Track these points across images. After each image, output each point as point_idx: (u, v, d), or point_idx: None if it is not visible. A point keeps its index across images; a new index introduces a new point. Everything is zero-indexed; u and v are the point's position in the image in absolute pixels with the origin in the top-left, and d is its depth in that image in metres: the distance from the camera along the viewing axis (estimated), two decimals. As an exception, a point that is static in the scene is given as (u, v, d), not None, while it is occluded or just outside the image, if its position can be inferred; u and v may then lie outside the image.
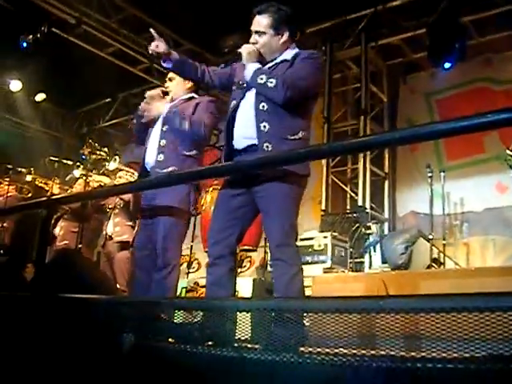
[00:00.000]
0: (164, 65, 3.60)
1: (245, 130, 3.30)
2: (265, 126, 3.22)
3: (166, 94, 4.35)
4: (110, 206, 6.68)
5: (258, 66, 3.28)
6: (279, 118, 3.24)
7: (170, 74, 4.41)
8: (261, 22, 3.38)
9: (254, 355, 2.03)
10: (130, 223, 6.45)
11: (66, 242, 7.44)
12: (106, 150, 7.04)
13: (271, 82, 3.18)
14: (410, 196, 8.73)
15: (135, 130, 4.50)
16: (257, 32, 3.39)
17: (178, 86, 4.39)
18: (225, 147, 3.41)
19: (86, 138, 7.75)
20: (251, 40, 3.40)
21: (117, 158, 6.95)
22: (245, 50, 3.31)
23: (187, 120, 4.00)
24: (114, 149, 7.48)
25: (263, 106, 3.27)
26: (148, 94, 4.31)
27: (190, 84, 4.40)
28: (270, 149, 3.18)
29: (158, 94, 4.30)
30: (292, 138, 3.21)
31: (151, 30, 3.58)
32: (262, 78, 3.21)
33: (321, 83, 3.32)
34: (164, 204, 4.01)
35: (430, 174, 6.83)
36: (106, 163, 6.96)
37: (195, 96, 4.40)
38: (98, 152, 6.99)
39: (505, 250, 7.07)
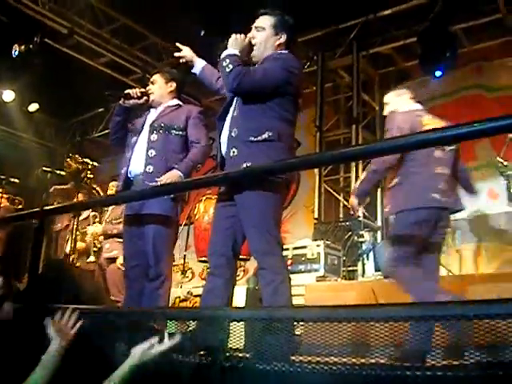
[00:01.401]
0: (192, 71, 3.75)
1: (226, 138, 3.37)
2: (235, 132, 3.27)
3: (143, 95, 4.25)
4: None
5: (234, 52, 3.27)
6: (246, 121, 3.27)
7: (153, 77, 4.40)
8: (263, 20, 3.45)
9: (246, 364, 2.04)
10: (120, 239, 6.47)
11: None
12: (87, 160, 7.03)
13: (228, 67, 3.19)
14: (403, 204, 8.72)
15: (113, 125, 4.36)
16: (257, 27, 3.45)
17: (160, 89, 4.33)
18: (219, 155, 3.44)
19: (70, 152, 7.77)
20: (249, 34, 3.42)
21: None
22: (233, 36, 3.34)
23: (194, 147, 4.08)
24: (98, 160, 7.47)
25: (236, 112, 3.33)
26: (128, 91, 4.24)
27: (172, 87, 4.36)
28: (235, 153, 3.22)
29: (135, 93, 4.22)
30: (255, 139, 3.19)
31: (177, 43, 3.59)
32: (225, 61, 3.22)
33: (284, 82, 3.23)
34: (152, 212, 3.97)
35: (422, 182, 6.83)
36: (87, 174, 6.96)
37: (180, 103, 4.37)
38: (79, 162, 6.99)
39: (497, 256, 7.08)
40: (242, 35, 3.37)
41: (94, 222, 6.99)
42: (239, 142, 3.23)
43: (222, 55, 3.28)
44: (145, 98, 4.25)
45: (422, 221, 3.86)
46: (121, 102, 4.24)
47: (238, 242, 3.31)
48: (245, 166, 3.13)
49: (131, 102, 4.22)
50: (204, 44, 3.49)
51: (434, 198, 3.86)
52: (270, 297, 3.06)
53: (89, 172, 6.94)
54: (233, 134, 3.29)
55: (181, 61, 3.84)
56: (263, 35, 3.41)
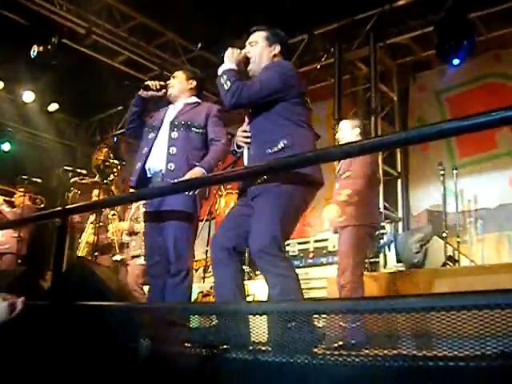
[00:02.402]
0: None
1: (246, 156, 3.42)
2: (253, 149, 3.32)
3: (161, 88, 4.27)
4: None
5: (231, 67, 3.28)
6: (259, 135, 3.28)
7: (175, 73, 4.43)
8: (256, 35, 3.47)
9: (268, 357, 2.06)
10: None
11: (7, 245, 8.06)
12: (116, 162, 7.09)
13: (227, 85, 3.20)
14: (424, 194, 8.69)
15: (129, 115, 4.37)
16: (250, 43, 3.46)
17: (180, 84, 4.35)
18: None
19: (101, 145, 7.81)
20: (244, 50, 3.43)
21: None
22: (229, 50, 3.35)
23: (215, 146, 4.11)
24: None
25: (252, 130, 3.35)
26: (147, 82, 4.28)
27: (192, 85, 4.38)
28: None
29: (155, 85, 4.24)
30: (272, 151, 3.17)
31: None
32: (223, 78, 3.23)
33: (283, 87, 3.21)
34: (173, 208, 3.99)
35: (442, 172, 6.81)
36: (112, 175, 7.03)
37: (199, 101, 4.38)
38: (110, 161, 7.05)
39: (520, 245, 7.04)
40: (238, 49, 3.38)
41: (111, 220, 7.06)
42: (257, 158, 3.22)
43: (220, 71, 3.29)
44: (163, 90, 4.27)
45: None
46: (140, 92, 4.27)
47: (244, 240, 3.24)
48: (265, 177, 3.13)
49: (150, 93, 4.25)
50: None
51: None
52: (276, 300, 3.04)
53: (116, 169, 7.01)
54: (251, 152, 3.32)
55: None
56: (258, 48, 3.43)
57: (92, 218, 7.52)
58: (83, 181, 7.44)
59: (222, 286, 3.26)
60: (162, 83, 4.30)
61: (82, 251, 7.44)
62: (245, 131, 3.41)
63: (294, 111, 3.28)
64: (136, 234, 6.56)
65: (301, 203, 3.25)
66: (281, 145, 3.16)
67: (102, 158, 7.13)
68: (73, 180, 7.35)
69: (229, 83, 3.19)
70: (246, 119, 3.47)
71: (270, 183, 3.12)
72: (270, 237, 3.06)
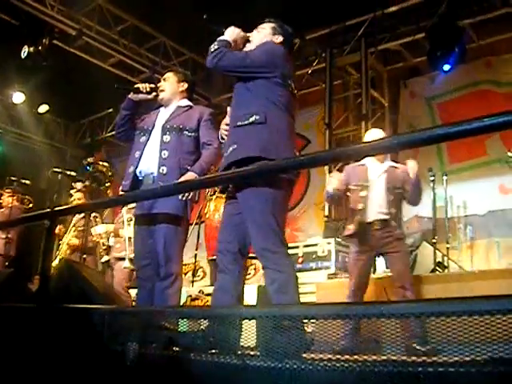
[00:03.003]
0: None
1: None
2: (229, 120, 3.44)
3: (152, 91, 4.26)
4: None
5: (226, 38, 3.40)
6: (235, 109, 3.40)
7: (166, 74, 4.41)
8: (265, 24, 3.57)
9: (257, 362, 2.04)
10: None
11: None
12: (107, 164, 7.08)
13: (213, 47, 3.33)
14: (413, 200, 8.70)
15: (120, 118, 4.34)
16: (257, 29, 3.57)
17: (171, 86, 4.32)
18: None
19: (99, 148, 7.81)
20: (249, 34, 3.53)
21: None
22: (232, 27, 3.46)
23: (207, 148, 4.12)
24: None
25: (233, 98, 3.48)
26: (137, 85, 4.28)
27: (183, 87, 4.36)
28: (225, 140, 3.43)
29: (145, 87, 4.23)
30: (240, 123, 3.26)
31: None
32: (214, 44, 3.35)
33: (267, 64, 3.24)
34: (163, 212, 3.96)
35: (432, 178, 6.82)
36: (104, 179, 7.01)
37: (191, 104, 4.36)
38: (100, 164, 7.03)
39: (509, 252, 7.06)
40: (238, 29, 3.47)
41: (95, 223, 7.02)
42: (230, 129, 3.37)
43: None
44: (154, 93, 4.25)
45: None
46: (130, 95, 4.25)
47: (245, 239, 3.29)
48: (231, 149, 3.22)
49: (140, 96, 4.24)
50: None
51: None
52: (274, 296, 3.06)
53: (108, 177, 7.00)
54: (227, 123, 3.48)
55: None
56: (262, 33, 3.52)
57: (74, 220, 7.48)
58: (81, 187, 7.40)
59: (221, 291, 3.28)
60: (153, 86, 4.27)
61: (63, 253, 7.38)
62: (227, 124, 3.51)
63: (274, 91, 3.31)
64: (120, 236, 6.52)
65: (285, 194, 3.29)
66: (252, 119, 3.23)
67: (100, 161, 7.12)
68: (76, 189, 7.32)
69: (216, 46, 3.32)
70: (229, 111, 3.54)
71: (254, 181, 3.16)
72: (271, 232, 3.11)
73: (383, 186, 5.05)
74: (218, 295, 3.29)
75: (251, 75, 3.31)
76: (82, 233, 7.05)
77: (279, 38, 3.50)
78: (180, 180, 3.87)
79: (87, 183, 7.17)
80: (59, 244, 7.59)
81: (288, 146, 3.26)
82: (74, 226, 7.47)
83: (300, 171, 3.42)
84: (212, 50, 3.31)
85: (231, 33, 3.42)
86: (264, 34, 3.51)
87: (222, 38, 3.38)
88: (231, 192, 3.41)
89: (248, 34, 3.51)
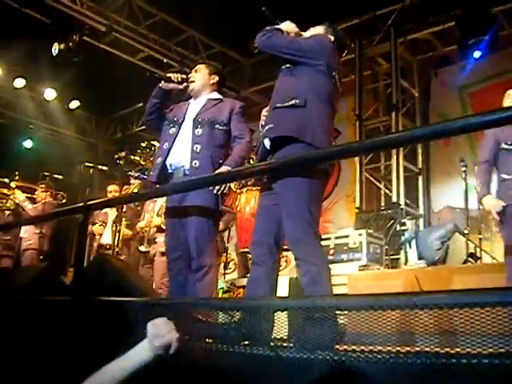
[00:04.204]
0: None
1: None
2: (271, 104, 3.46)
3: (183, 81, 4.25)
4: None
5: (279, 27, 3.45)
6: (277, 92, 3.44)
7: (198, 66, 4.41)
8: (315, 27, 3.66)
9: (290, 354, 2.05)
10: None
11: (30, 241, 8.15)
12: (138, 158, 7.18)
13: (266, 29, 3.41)
14: (445, 191, 8.63)
15: (149, 106, 4.34)
16: (309, 29, 3.66)
17: (202, 78, 4.31)
18: None
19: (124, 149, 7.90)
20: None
21: None
22: (288, 21, 3.51)
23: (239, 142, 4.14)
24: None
25: (278, 81, 3.53)
26: (169, 74, 4.28)
27: (214, 80, 4.35)
28: (264, 120, 3.46)
29: (177, 77, 4.23)
30: (280, 105, 3.31)
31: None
32: (267, 28, 3.43)
33: (314, 52, 3.27)
34: (195, 204, 3.97)
35: (463, 168, 6.74)
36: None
37: (221, 97, 4.35)
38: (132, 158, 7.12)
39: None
40: (295, 26, 3.53)
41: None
42: (269, 112, 3.42)
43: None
44: (185, 84, 4.25)
45: None
46: (161, 84, 4.25)
47: (280, 231, 3.30)
48: (267, 127, 3.29)
49: (171, 85, 4.24)
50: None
51: None
52: (307, 287, 3.07)
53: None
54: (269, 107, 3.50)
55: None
56: (314, 30, 3.61)
57: (113, 215, 7.53)
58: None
59: (254, 283, 3.31)
60: (184, 76, 4.27)
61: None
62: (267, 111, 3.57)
63: (317, 78, 3.35)
64: (163, 230, 6.58)
65: (321, 186, 3.32)
66: (292, 102, 3.27)
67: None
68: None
69: (268, 28, 3.39)
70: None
71: (288, 172, 3.17)
72: (305, 224, 3.14)
73: None
74: (252, 288, 3.32)
75: (296, 59, 3.36)
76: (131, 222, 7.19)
77: (331, 38, 3.54)
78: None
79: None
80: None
81: (325, 133, 3.28)
82: (114, 222, 7.52)
83: (335, 163, 3.44)
84: (263, 31, 3.37)
85: (286, 25, 3.48)
86: (317, 31, 3.57)
87: (275, 26, 3.43)
88: (267, 183, 3.41)
89: (298, 30, 3.56)
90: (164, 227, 6.11)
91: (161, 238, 6.59)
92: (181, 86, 4.26)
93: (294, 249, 3.18)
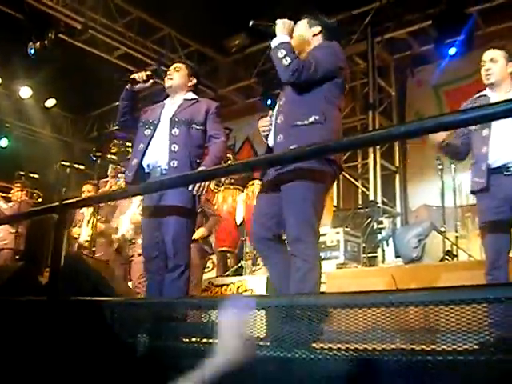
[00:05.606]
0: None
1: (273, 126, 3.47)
2: (280, 119, 3.33)
3: (148, 78, 4.20)
4: None
5: (286, 39, 3.27)
6: (293, 106, 3.31)
7: (179, 64, 4.37)
8: (300, 22, 3.54)
9: (266, 352, 2.05)
10: None
11: (6, 241, 8.12)
12: (115, 157, 7.16)
13: (286, 60, 3.18)
14: (422, 189, 8.70)
15: (120, 108, 4.30)
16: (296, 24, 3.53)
17: (181, 78, 4.28)
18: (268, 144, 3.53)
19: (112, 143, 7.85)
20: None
21: None
22: (281, 21, 3.34)
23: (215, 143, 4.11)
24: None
25: (282, 100, 3.41)
26: (133, 76, 4.21)
27: (192, 82, 4.33)
28: (281, 139, 3.26)
29: (141, 76, 4.17)
30: (302, 123, 3.21)
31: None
32: (281, 53, 3.21)
33: (334, 68, 3.25)
34: (172, 204, 3.96)
35: (440, 167, 6.80)
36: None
37: (197, 98, 4.32)
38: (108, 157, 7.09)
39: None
40: (288, 20, 3.38)
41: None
42: (286, 128, 3.27)
43: (274, 43, 3.28)
44: (151, 81, 4.22)
45: None
46: (127, 87, 4.21)
47: (280, 227, 3.32)
48: (291, 147, 3.10)
49: (138, 86, 4.20)
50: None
51: None
52: (296, 284, 3.09)
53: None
54: (278, 121, 3.35)
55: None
56: (298, 29, 3.51)
57: (88, 214, 7.47)
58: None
59: (273, 277, 3.42)
60: (149, 73, 4.23)
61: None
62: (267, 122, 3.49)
63: (333, 93, 3.32)
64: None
65: (327, 188, 3.33)
66: (312, 119, 3.21)
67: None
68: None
69: (289, 59, 3.18)
70: (270, 113, 3.51)
71: (298, 169, 3.15)
72: (307, 223, 3.16)
73: None
74: (272, 283, 3.44)
75: (319, 80, 3.27)
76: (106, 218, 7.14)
77: (317, 28, 3.50)
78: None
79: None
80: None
81: None
82: (88, 221, 7.46)
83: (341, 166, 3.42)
84: (286, 64, 3.18)
85: (284, 28, 3.32)
86: (299, 28, 3.49)
87: (282, 40, 3.26)
88: (268, 182, 3.41)
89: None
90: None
91: (139, 240, 6.57)
92: (147, 84, 4.22)
93: (291, 245, 3.22)
